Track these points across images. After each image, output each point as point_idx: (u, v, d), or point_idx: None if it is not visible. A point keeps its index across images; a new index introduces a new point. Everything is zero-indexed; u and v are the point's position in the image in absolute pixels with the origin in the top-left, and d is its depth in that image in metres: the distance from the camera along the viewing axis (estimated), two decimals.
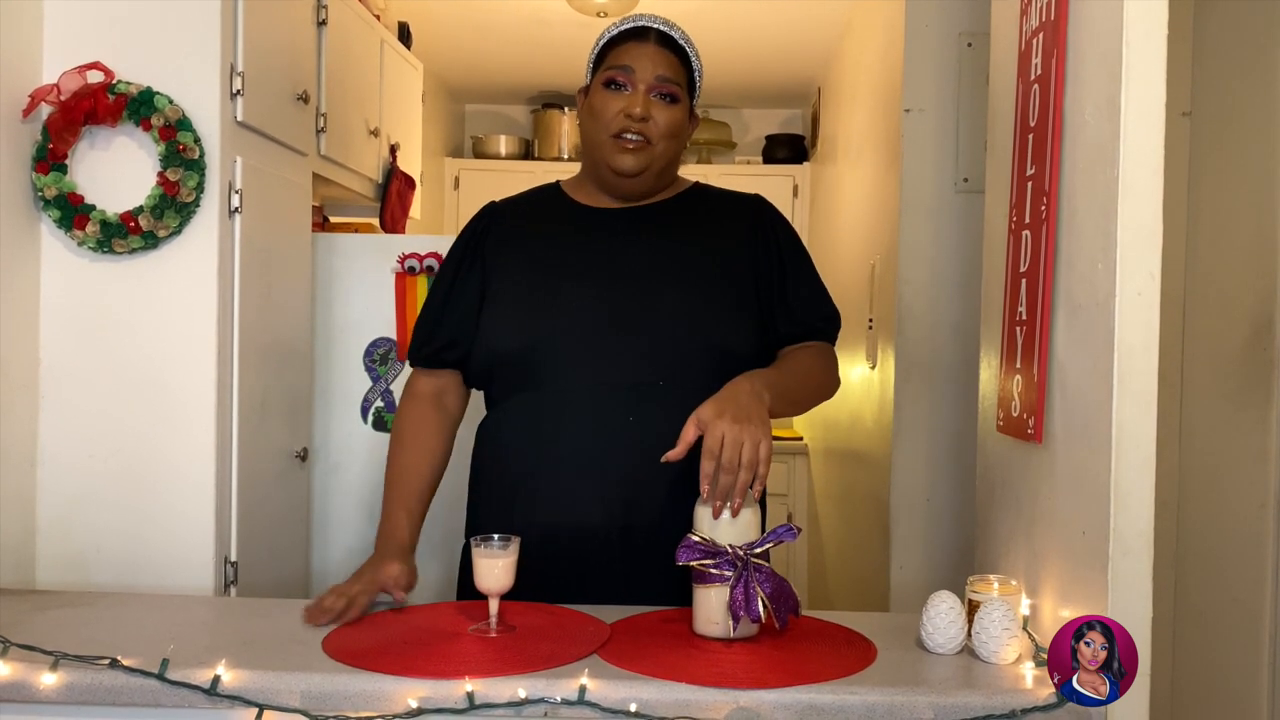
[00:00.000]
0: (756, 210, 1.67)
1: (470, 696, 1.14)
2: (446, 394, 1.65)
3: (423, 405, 1.63)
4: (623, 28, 1.60)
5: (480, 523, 1.57)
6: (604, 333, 1.52)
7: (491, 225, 1.66)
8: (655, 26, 1.58)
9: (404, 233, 3.30)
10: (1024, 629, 1.32)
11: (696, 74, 1.62)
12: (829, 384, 1.63)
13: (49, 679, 1.17)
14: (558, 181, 1.71)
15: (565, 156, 4.87)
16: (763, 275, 1.60)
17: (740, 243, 1.62)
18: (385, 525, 1.55)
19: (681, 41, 1.60)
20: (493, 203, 1.70)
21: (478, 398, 1.68)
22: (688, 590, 1.34)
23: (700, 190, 1.70)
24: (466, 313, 1.60)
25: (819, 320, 1.63)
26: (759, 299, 1.59)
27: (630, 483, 1.48)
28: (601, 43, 1.62)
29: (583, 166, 1.68)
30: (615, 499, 1.48)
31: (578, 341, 1.51)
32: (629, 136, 1.54)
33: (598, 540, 1.49)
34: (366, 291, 2.67)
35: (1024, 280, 1.43)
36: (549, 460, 1.51)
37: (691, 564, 1.28)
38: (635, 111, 1.53)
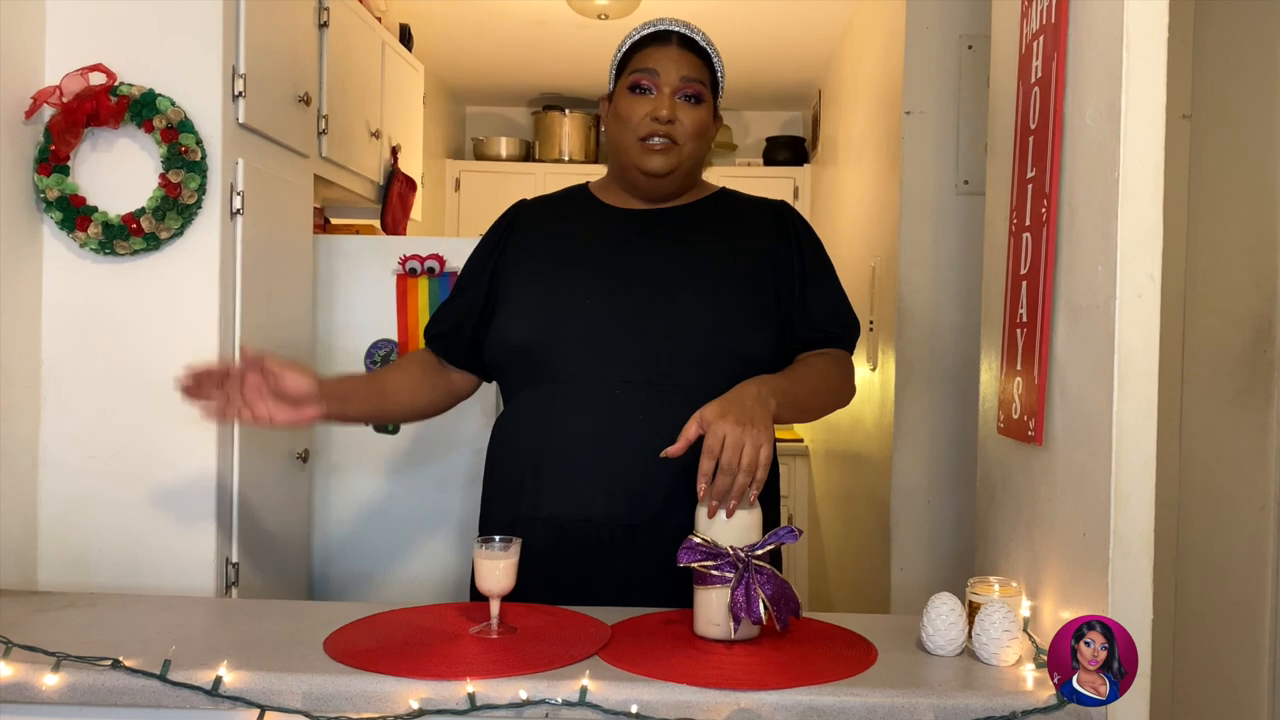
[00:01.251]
0: (780, 215, 1.68)
1: (471, 698, 1.14)
2: (439, 365, 1.69)
3: (415, 356, 1.70)
4: (644, 32, 1.62)
5: (489, 515, 1.59)
6: (617, 329, 1.53)
7: (516, 222, 1.69)
8: (677, 30, 1.61)
9: (405, 234, 3.31)
10: (1024, 631, 1.32)
11: (719, 75, 1.64)
12: (842, 393, 1.63)
13: (51, 680, 1.18)
14: (587, 183, 1.74)
15: (566, 158, 4.87)
16: (784, 280, 1.61)
17: (763, 247, 1.62)
18: None
19: (703, 43, 1.62)
20: (523, 200, 1.74)
21: (488, 402, 1.69)
22: (688, 590, 1.34)
23: (725, 195, 1.71)
24: (472, 307, 1.65)
25: (837, 328, 1.63)
26: (779, 303, 1.60)
27: (636, 481, 1.48)
28: (624, 49, 1.64)
29: (609, 170, 1.70)
30: (620, 496, 1.49)
31: (590, 337, 1.53)
32: (656, 140, 1.56)
33: (600, 536, 1.50)
34: (367, 293, 2.67)
35: (1024, 282, 1.44)
36: (555, 454, 1.52)
37: (693, 565, 1.28)
38: (662, 114, 1.55)
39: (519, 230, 1.68)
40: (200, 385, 1.43)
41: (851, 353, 1.67)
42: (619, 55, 1.65)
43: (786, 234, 1.65)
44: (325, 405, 1.49)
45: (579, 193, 1.73)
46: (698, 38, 1.61)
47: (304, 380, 1.46)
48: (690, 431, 1.32)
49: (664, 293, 1.55)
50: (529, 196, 1.77)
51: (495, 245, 1.67)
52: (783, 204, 1.71)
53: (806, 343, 1.61)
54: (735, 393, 1.37)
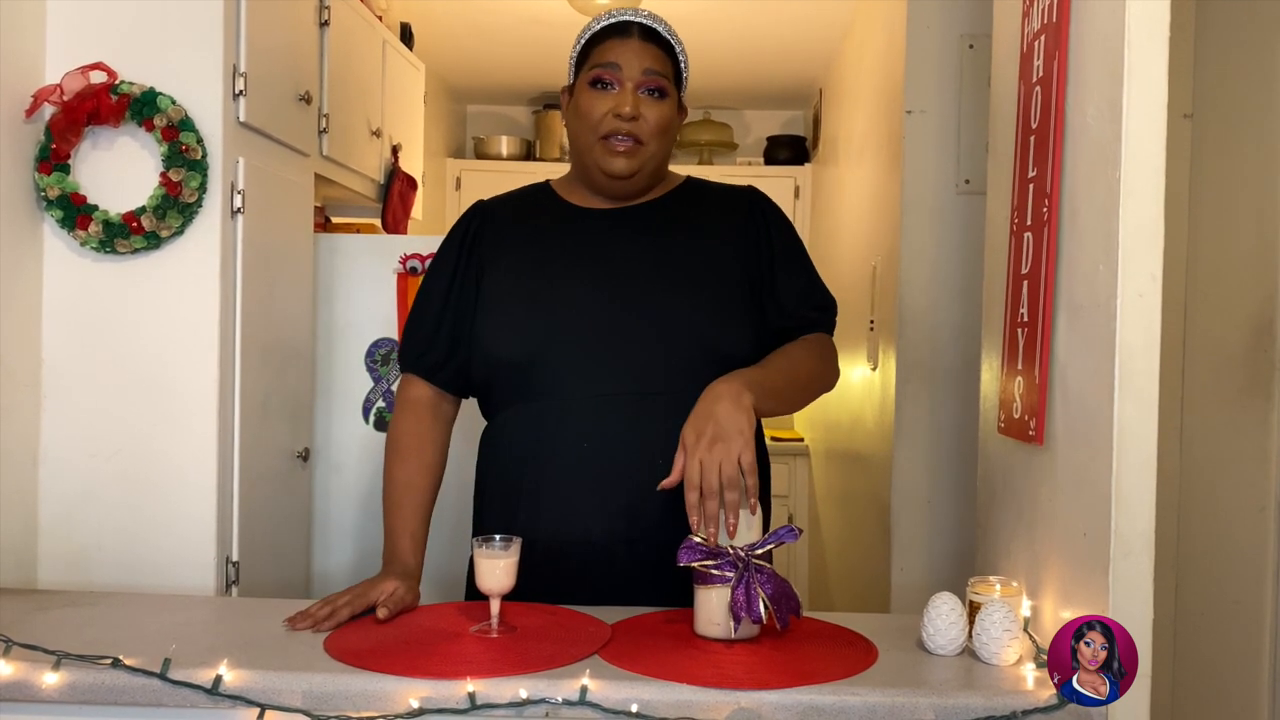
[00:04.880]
0: (750, 203, 1.63)
1: (472, 697, 1.14)
2: (442, 401, 1.62)
3: (420, 414, 1.60)
4: (604, 23, 1.55)
5: (485, 533, 1.56)
6: (603, 340, 1.50)
7: (485, 226, 1.62)
8: (638, 21, 1.54)
9: (405, 233, 3.31)
10: (1025, 630, 1.32)
11: (683, 66, 1.59)
12: (824, 375, 1.58)
13: (51, 678, 1.18)
14: (547, 181, 1.68)
15: (567, 158, 4.87)
16: (755, 271, 1.58)
17: (733, 239, 1.59)
18: (390, 547, 1.52)
19: (665, 34, 1.55)
20: (481, 201, 1.66)
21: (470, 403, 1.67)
22: (687, 596, 1.34)
23: (693, 185, 1.67)
24: (464, 321, 1.58)
25: (811, 310, 1.59)
26: (753, 296, 1.57)
27: (631, 495, 1.46)
28: (583, 41, 1.57)
29: (572, 167, 1.64)
30: (618, 511, 1.47)
31: (577, 350, 1.49)
32: (619, 139, 1.51)
33: (601, 553, 1.48)
34: (368, 292, 2.67)
35: (1025, 282, 1.44)
36: (549, 471, 1.49)
37: (693, 565, 1.28)
38: (625, 110, 1.50)
39: (487, 237, 1.60)
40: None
41: (831, 333, 1.63)
42: (578, 47, 1.58)
43: (754, 222, 1.60)
44: (413, 590, 1.46)
45: (542, 192, 1.66)
46: (659, 28, 1.55)
47: (403, 598, 1.42)
48: (678, 462, 1.31)
49: (645, 298, 1.52)
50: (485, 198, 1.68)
51: (464, 255, 1.60)
52: (751, 190, 1.66)
53: (782, 331, 1.57)
54: (707, 402, 1.34)
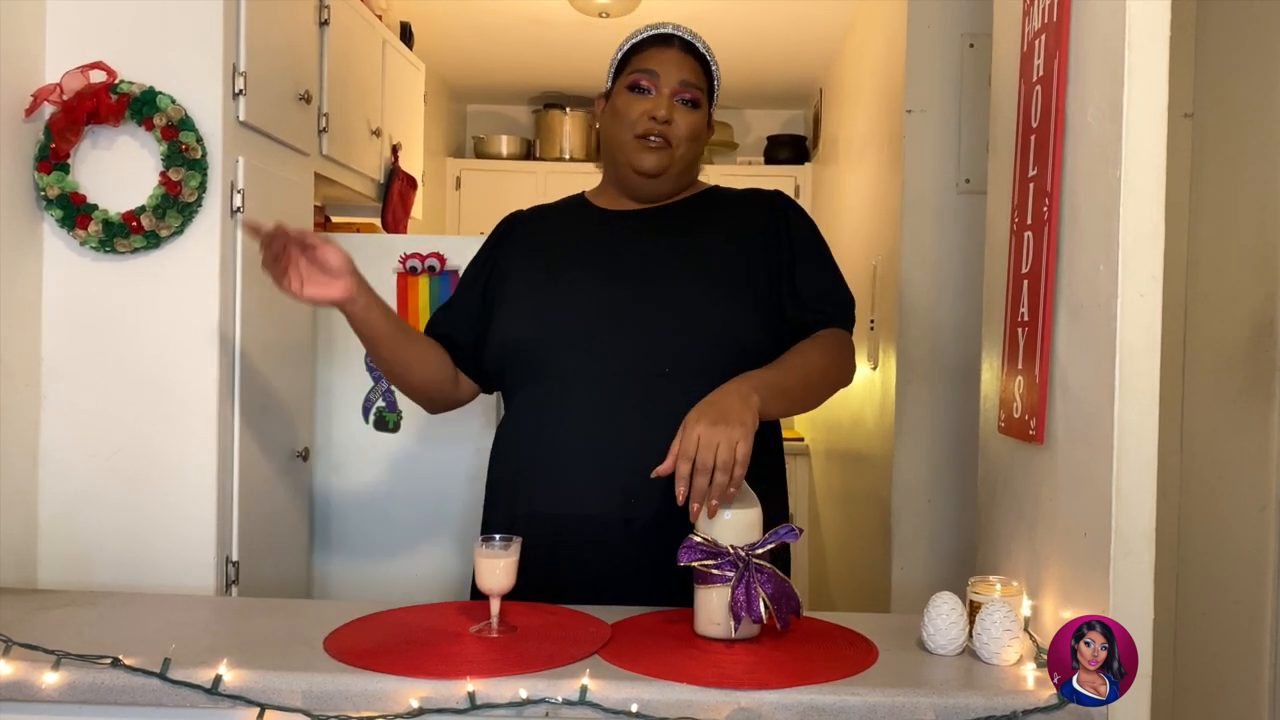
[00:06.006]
0: (771, 202, 1.68)
1: (471, 697, 1.14)
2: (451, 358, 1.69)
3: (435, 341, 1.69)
4: (647, 34, 1.64)
5: (489, 514, 1.60)
6: (610, 324, 1.53)
7: (510, 231, 1.71)
8: (680, 34, 1.63)
9: (405, 233, 3.31)
10: (1025, 630, 1.32)
11: (716, 82, 1.66)
12: (837, 373, 1.59)
13: (51, 678, 1.18)
14: (583, 192, 1.75)
15: (567, 157, 4.87)
16: (774, 265, 1.60)
17: (754, 235, 1.62)
18: None
19: (704, 50, 1.65)
20: (518, 211, 1.76)
21: (489, 402, 1.69)
22: (687, 585, 1.34)
23: (716, 191, 1.72)
24: (470, 313, 1.66)
25: (830, 306, 1.61)
26: (771, 289, 1.59)
27: (632, 475, 1.47)
28: (625, 48, 1.65)
29: (604, 174, 1.71)
30: (616, 491, 1.48)
31: (583, 332, 1.53)
32: (652, 138, 1.58)
33: (597, 531, 1.49)
34: None
35: (1026, 281, 1.43)
36: (552, 450, 1.52)
37: (693, 564, 1.28)
38: (660, 113, 1.57)
39: (512, 238, 1.70)
40: (265, 242, 1.41)
41: (850, 329, 1.64)
42: (619, 55, 1.66)
43: (776, 219, 1.64)
44: (356, 288, 1.49)
45: (574, 200, 1.75)
46: (699, 44, 1.64)
47: (340, 254, 1.46)
48: (675, 447, 1.32)
49: (655, 285, 1.56)
50: (530, 195, 1.80)
51: (488, 255, 1.70)
52: (776, 192, 1.70)
53: (799, 325, 1.58)
54: (715, 394, 1.37)
